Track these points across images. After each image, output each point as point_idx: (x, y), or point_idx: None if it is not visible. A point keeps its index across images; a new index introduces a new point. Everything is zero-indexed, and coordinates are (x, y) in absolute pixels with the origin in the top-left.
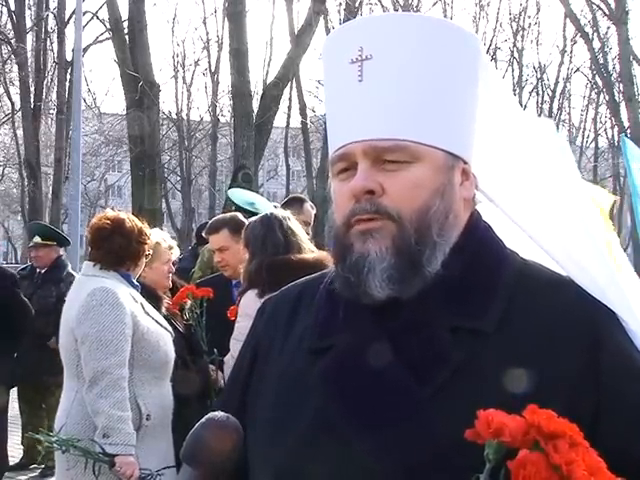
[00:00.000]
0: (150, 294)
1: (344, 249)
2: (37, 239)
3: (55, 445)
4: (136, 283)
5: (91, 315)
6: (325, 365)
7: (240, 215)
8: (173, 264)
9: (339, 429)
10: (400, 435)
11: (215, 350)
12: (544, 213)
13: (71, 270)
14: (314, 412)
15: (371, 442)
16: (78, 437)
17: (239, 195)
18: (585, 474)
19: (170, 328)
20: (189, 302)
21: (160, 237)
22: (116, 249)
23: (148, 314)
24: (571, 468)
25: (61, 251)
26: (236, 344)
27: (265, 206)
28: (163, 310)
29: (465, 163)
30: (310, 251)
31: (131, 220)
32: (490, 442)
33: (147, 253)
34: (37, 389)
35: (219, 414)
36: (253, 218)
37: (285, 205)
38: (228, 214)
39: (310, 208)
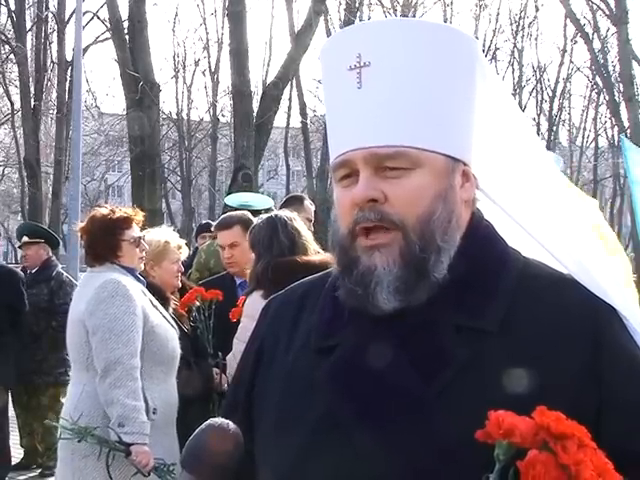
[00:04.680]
0: (158, 294)
1: (350, 262)
2: (25, 238)
3: (72, 433)
4: (142, 278)
5: (102, 306)
6: (331, 364)
7: (250, 214)
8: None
9: (346, 429)
10: (407, 434)
11: (220, 353)
12: (545, 212)
13: (61, 270)
14: (321, 412)
15: (378, 442)
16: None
17: (234, 198)
18: (593, 474)
19: (175, 325)
20: (197, 303)
21: (169, 236)
22: (89, 245)
23: (156, 308)
24: (579, 468)
25: (55, 251)
26: (239, 344)
27: (261, 202)
28: (170, 310)
29: (465, 165)
30: (316, 252)
31: (100, 215)
32: (500, 442)
33: (131, 239)
34: (27, 390)
35: (219, 420)
36: (258, 219)
37: (285, 204)
38: (240, 212)
39: (310, 205)
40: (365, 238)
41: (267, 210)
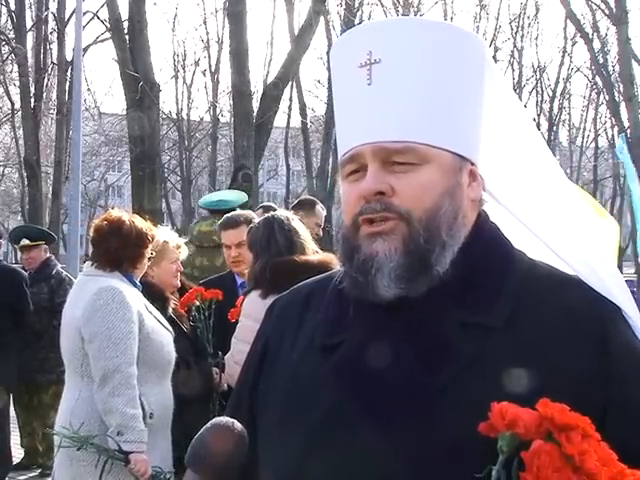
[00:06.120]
0: (157, 294)
1: (352, 249)
2: (26, 241)
3: (71, 442)
4: (138, 284)
5: (99, 314)
6: (336, 362)
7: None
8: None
9: (351, 425)
10: (413, 430)
11: (220, 353)
12: (550, 213)
13: (60, 269)
14: (325, 409)
15: (384, 438)
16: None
17: (206, 200)
18: (597, 464)
19: (171, 328)
20: (197, 303)
21: (168, 236)
22: (111, 250)
23: (151, 313)
24: (584, 458)
25: (55, 251)
26: (237, 343)
27: (234, 198)
28: (170, 310)
29: (472, 164)
30: (314, 252)
31: (131, 222)
32: (504, 434)
33: (149, 256)
34: (28, 388)
35: (224, 419)
36: (257, 220)
37: (296, 207)
38: (245, 211)
39: (321, 210)
40: (368, 226)
41: (242, 205)
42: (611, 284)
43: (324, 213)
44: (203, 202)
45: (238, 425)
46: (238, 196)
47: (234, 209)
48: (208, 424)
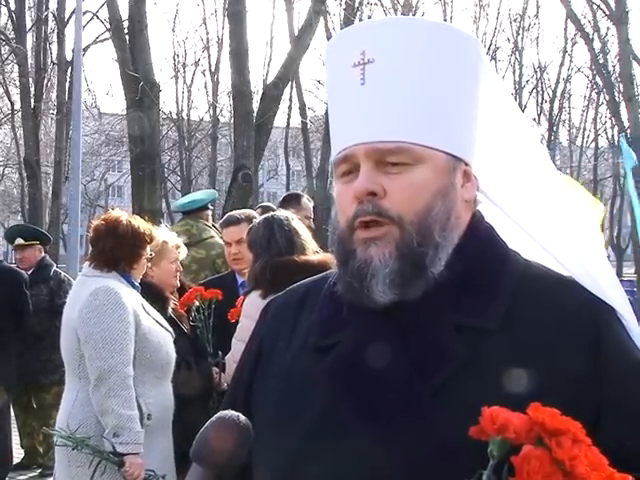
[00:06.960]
0: (157, 294)
1: (347, 254)
2: (20, 240)
3: (67, 442)
4: (136, 284)
5: (95, 314)
6: (330, 362)
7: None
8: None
9: (345, 426)
10: (406, 431)
11: (220, 352)
12: (545, 214)
13: (57, 269)
14: (320, 410)
15: (377, 438)
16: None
17: (177, 203)
18: (587, 469)
19: (170, 329)
20: (196, 303)
21: (167, 236)
22: (107, 250)
23: (149, 314)
24: (574, 463)
25: (55, 251)
26: (238, 344)
27: (203, 196)
28: (170, 310)
29: (466, 165)
30: (314, 252)
31: (128, 222)
32: (494, 438)
33: (147, 256)
34: (28, 389)
35: (229, 413)
36: (256, 220)
37: (283, 203)
38: (246, 209)
39: (308, 201)
40: (363, 231)
41: (213, 200)
42: (606, 285)
43: (311, 205)
44: (175, 206)
45: (243, 418)
46: (206, 194)
47: (206, 206)
48: (213, 418)
